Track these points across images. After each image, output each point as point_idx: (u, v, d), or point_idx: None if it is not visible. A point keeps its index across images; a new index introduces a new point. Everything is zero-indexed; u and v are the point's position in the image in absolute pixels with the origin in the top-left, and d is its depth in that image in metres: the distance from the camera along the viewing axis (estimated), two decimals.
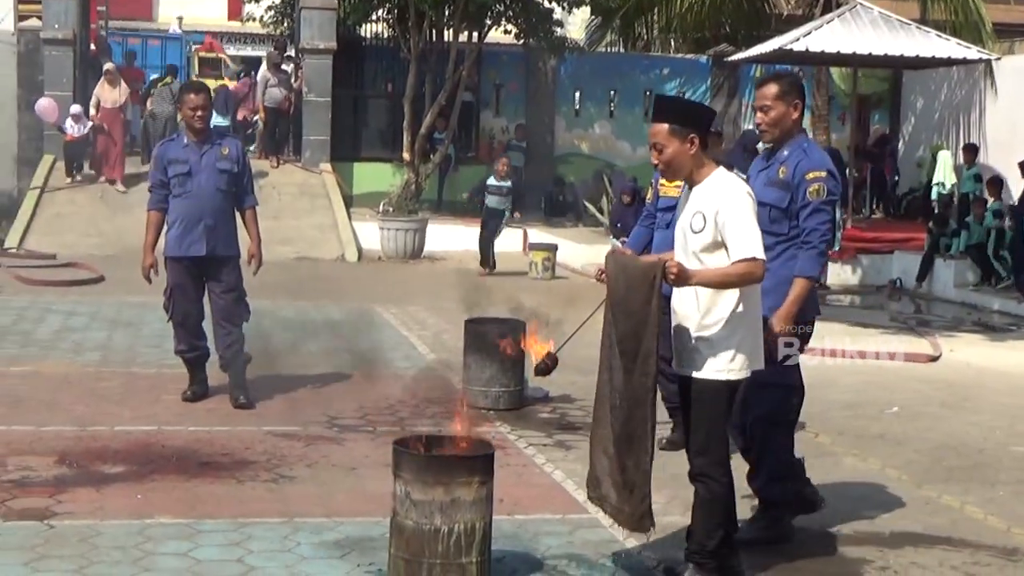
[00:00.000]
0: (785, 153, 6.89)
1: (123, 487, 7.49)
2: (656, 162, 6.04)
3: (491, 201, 19.90)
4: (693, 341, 5.94)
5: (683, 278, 5.74)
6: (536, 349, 7.38)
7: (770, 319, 6.53)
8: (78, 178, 22.92)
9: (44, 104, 23.04)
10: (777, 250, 6.74)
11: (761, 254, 5.77)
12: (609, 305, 6.06)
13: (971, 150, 22.56)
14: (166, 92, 24.80)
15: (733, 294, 5.87)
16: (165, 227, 9.75)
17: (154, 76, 27.07)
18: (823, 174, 6.81)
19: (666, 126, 5.92)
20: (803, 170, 6.79)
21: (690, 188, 6.02)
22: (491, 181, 19.97)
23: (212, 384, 10.01)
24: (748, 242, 5.76)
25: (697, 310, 5.91)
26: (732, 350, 5.90)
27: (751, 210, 5.83)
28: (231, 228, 9.81)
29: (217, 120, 25.76)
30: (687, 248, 5.96)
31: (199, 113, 9.66)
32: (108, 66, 23.78)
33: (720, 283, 5.85)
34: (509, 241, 22.80)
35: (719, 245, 5.85)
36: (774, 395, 6.81)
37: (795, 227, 6.82)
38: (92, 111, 23.02)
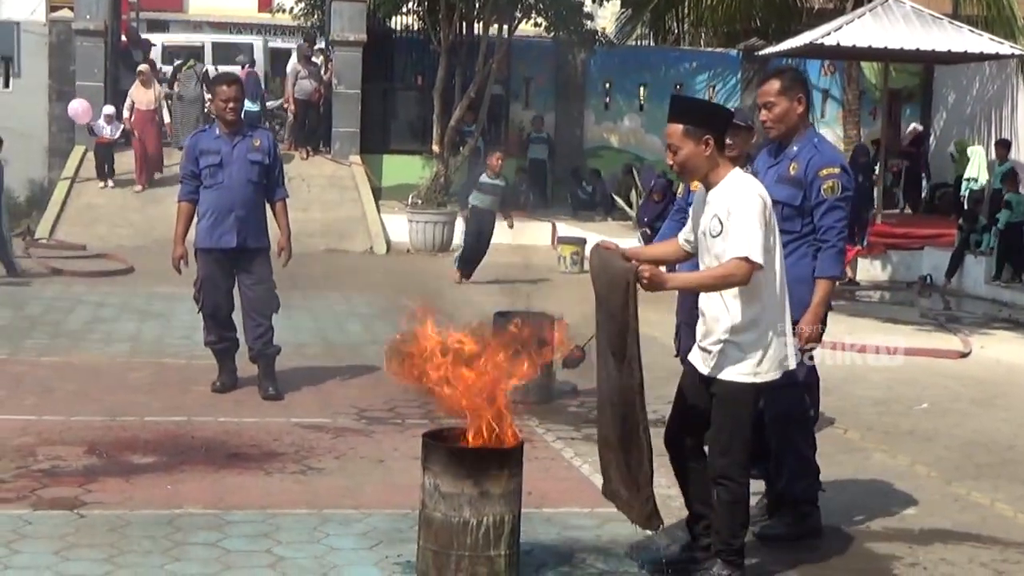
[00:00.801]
0: (795, 149, 6.82)
1: (153, 477, 7.52)
2: (671, 163, 5.97)
3: (482, 201, 17.70)
4: (721, 343, 5.89)
5: (656, 283, 5.69)
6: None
7: (799, 322, 6.49)
8: (110, 184, 22.59)
9: (77, 106, 22.90)
10: (789, 248, 6.66)
11: (756, 256, 5.64)
12: (596, 303, 6.01)
13: (1004, 146, 22.43)
14: (191, 75, 25.09)
15: (760, 296, 5.81)
16: (196, 218, 9.78)
17: (178, 61, 27.05)
18: (837, 170, 6.74)
19: (681, 127, 5.84)
20: (816, 166, 6.72)
21: (707, 190, 5.93)
22: (484, 178, 17.80)
23: (241, 375, 10.04)
24: (742, 242, 5.66)
25: (726, 311, 5.85)
26: (760, 352, 5.85)
27: (758, 212, 5.72)
28: (261, 220, 9.83)
29: (248, 106, 25.95)
30: (709, 251, 5.90)
31: (231, 105, 9.67)
32: (142, 67, 23.63)
33: (699, 286, 5.87)
34: (538, 235, 22.81)
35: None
36: (790, 394, 6.74)
37: (807, 224, 6.76)
38: (126, 113, 22.87)
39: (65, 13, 24.91)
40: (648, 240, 15.51)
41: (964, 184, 22.95)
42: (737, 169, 5.95)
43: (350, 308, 14.53)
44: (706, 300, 5.97)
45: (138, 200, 21.86)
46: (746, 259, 5.64)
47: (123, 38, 26.56)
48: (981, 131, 24.73)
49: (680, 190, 9.21)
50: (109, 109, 22.81)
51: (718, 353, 5.91)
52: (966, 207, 21.33)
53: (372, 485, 7.37)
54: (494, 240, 22.31)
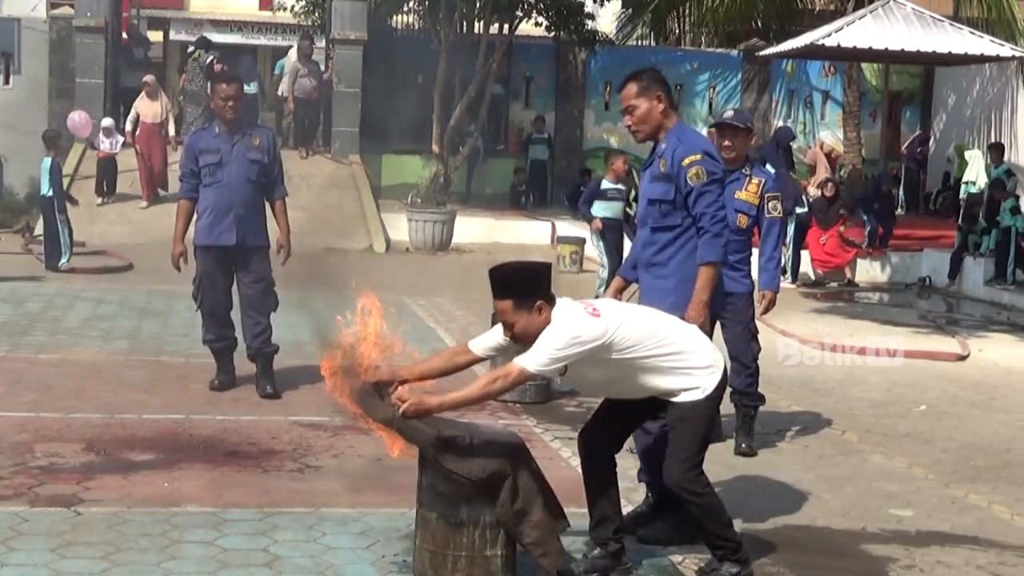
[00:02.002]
0: (663, 146, 6.74)
1: (150, 475, 7.52)
2: (508, 336, 5.86)
3: (610, 210, 16.33)
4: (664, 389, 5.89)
5: (422, 412, 5.80)
6: None
7: (686, 314, 6.46)
8: (108, 201, 21.88)
9: (76, 119, 22.38)
10: (676, 245, 6.68)
11: (530, 368, 5.64)
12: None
13: (998, 148, 22.51)
14: (196, 67, 24.64)
15: (670, 363, 5.80)
16: (195, 216, 9.78)
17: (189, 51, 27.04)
18: (699, 156, 6.65)
19: (509, 302, 5.77)
20: (679, 157, 6.64)
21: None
22: (607, 184, 16.55)
23: (239, 374, 10.04)
24: (533, 355, 5.63)
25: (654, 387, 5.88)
26: (699, 374, 5.86)
27: (564, 341, 5.60)
28: (261, 218, 9.84)
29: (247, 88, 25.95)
30: None
31: (230, 103, 9.67)
32: (147, 78, 22.88)
33: (466, 400, 5.86)
34: (536, 234, 22.83)
35: None
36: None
37: (687, 217, 6.69)
38: (129, 126, 22.25)
39: (66, 10, 24.89)
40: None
41: (963, 187, 23.00)
42: (559, 302, 5.79)
43: (349, 307, 14.48)
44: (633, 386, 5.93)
45: (138, 198, 21.84)
46: (518, 367, 5.66)
47: (123, 35, 26.54)
48: (981, 133, 24.76)
49: None
50: (107, 122, 22.32)
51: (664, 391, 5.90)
52: (963, 209, 21.37)
53: (370, 484, 7.37)
54: (490, 239, 22.42)
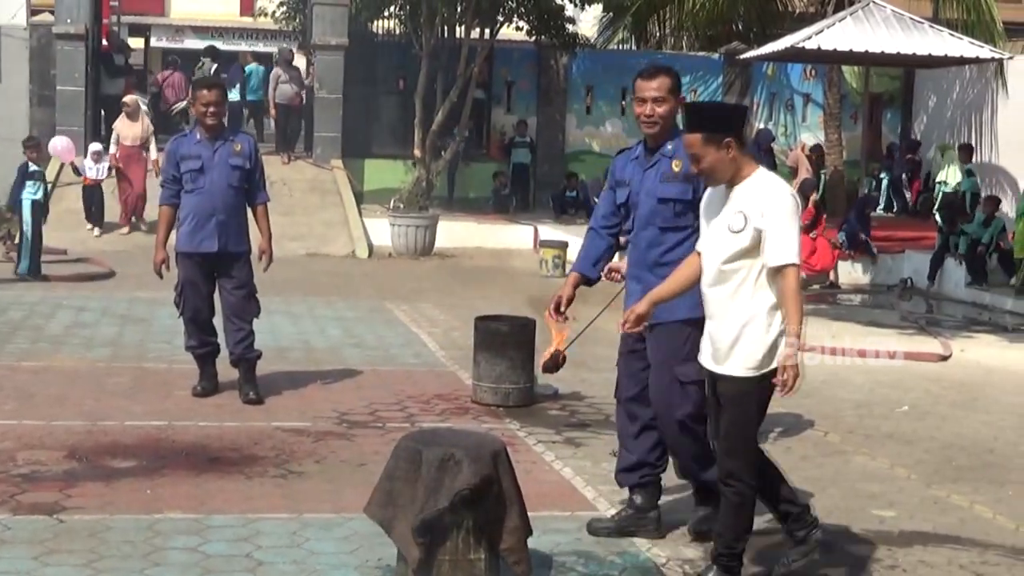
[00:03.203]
0: (670, 147, 6.76)
1: (133, 482, 7.51)
2: (695, 171, 5.98)
3: None
4: (734, 339, 5.87)
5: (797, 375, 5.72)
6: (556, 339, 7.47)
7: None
8: (97, 231, 20.69)
9: (58, 145, 21.08)
10: (687, 244, 6.64)
11: (797, 258, 5.72)
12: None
13: (966, 149, 22.78)
14: (200, 76, 24.43)
15: (773, 292, 5.81)
16: (177, 222, 9.78)
17: (260, 67, 27.02)
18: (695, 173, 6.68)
19: (699, 135, 5.83)
20: None
21: (728, 188, 5.90)
22: None
23: (222, 379, 10.03)
24: (788, 248, 5.70)
25: (742, 307, 5.85)
26: (769, 344, 5.83)
27: (793, 213, 5.75)
28: (243, 224, 9.83)
29: (232, 95, 25.96)
30: (722, 246, 5.86)
31: (211, 110, 9.66)
32: (127, 99, 21.86)
33: (799, 315, 5.73)
34: (519, 238, 22.84)
35: (750, 251, 5.78)
36: (696, 392, 6.62)
37: (696, 218, 6.59)
38: (112, 148, 21.06)
39: (46, 17, 24.82)
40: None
41: (937, 187, 23.17)
42: (761, 167, 5.95)
43: (331, 312, 14.52)
44: (719, 296, 5.91)
45: (119, 204, 21.78)
46: (796, 264, 5.71)
47: (104, 42, 26.48)
48: (961, 134, 24.82)
49: None
50: (96, 146, 21.25)
51: (727, 349, 5.90)
52: (938, 209, 21.52)
53: (353, 489, 7.36)
54: (472, 244, 22.43)
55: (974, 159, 23.74)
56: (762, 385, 5.86)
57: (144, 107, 22.94)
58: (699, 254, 6.10)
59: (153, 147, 20.77)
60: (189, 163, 9.66)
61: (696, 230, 6.56)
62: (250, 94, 26.83)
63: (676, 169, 6.72)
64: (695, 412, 6.63)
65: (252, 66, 27.67)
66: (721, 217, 5.90)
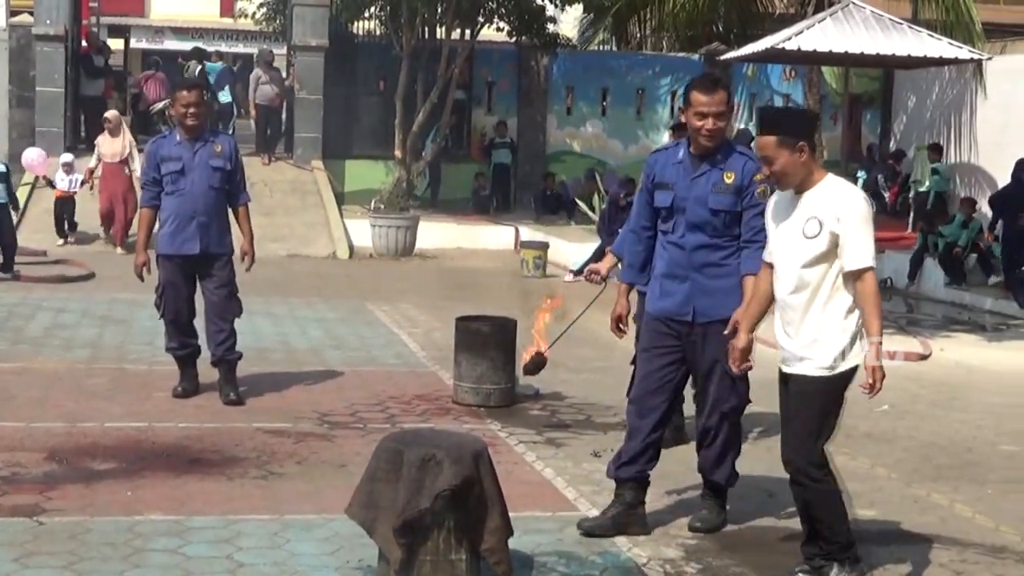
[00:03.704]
0: (719, 158, 6.94)
1: (113, 484, 7.50)
2: (767, 173, 6.11)
3: None
4: (811, 340, 6.01)
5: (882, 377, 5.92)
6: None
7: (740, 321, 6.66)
8: (71, 240, 20.25)
9: (31, 158, 21.15)
10: (729, 250, 6.91)
11: (873, 261, 5.89)
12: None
13: (936, 149, 22.96)
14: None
15: (852, 294, 5.96)
16: (158, 224, 9.77)
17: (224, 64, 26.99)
18: (766, 175, 6.83)
19: (773, 138, 5.97)
20: (751, 172, 6.88)
21: (797, 193, 6.04)
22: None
23: (202, 380, 10.01)
24: (865, 251, 5.86)
25: (822, 310, 6.00)
26: (845, 344, 6.00)
27: (868, 217, 5.90)
28: (224, 225, 9.81)
29: (223, 96, 25.95)
30: (798, 252, 6.00)
31: (191, 110, 9.63)
32: (108, 114, 20.95)
33: (880, 322, 5.88)
34: (500, 239, 22.86)
35: (829, 254, 5.91)
36: (743, 387, 7.08)
37: (739, 228, 6.94)
38: (93, 162, 20.33)
39: (25, 18, 24.74)
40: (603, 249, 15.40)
41: (911, 187, 23.33)
42: (831, 173, 6.10)
43: (312, 313, 14.51)
44: (798, 301, 6.05)
45: (96, 205, 21.70)
46: (872, 268, 5.86)
47: (84, 43, 26.43)
48: (941, 135, 24.87)
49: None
50: (67, 157, 20.83)
51: (803, 350, 6.03)
52: (913, 209, 21.65)
53: (334, 490, 7.35)
54: (453, 245, 22.45)
55: (954, 159, 23.84)
56: (834, 385, 6.04)
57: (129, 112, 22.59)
58: (769, 266, 6.26)
59: (136, 162, 19.79)
60: (169, 165, 9.63)
61: (738, 237, 6.90)
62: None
63: (728, 181, 6.93)
64: (740, 406, 7.09)
65: (211, 64, 27.59)
66: (793, 223, 6.04)
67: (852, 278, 5.90)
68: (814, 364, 5.99)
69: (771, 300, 6.29)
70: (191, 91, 9.77)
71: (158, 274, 9.77)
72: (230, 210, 9.94)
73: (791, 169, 5.95)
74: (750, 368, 6.55)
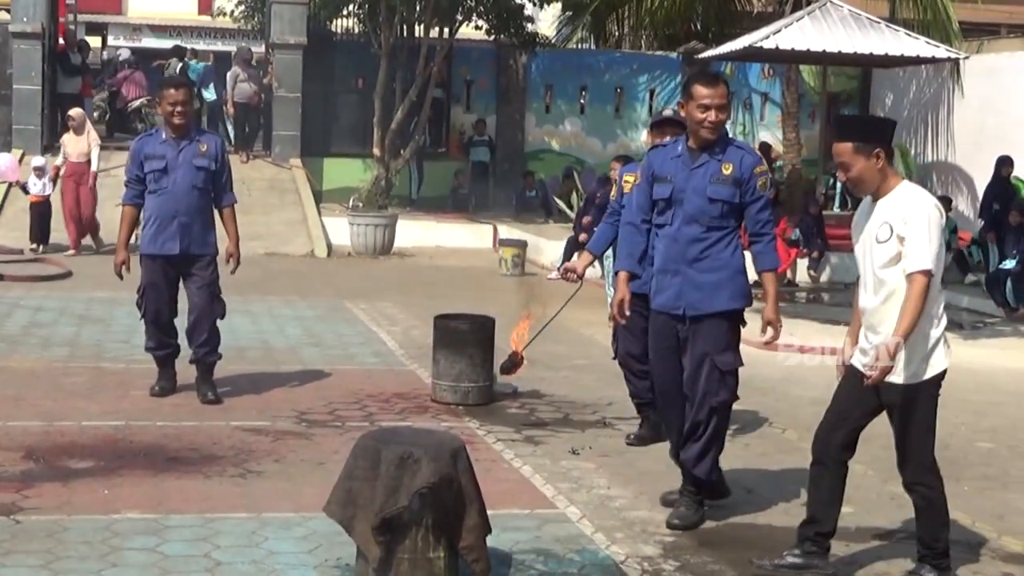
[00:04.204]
0: (717, 150, 7.09)
1: (90, 482, 7.47)
2: (843, 179, 6.17)
3: None
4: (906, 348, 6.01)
5: (885, 370, 5.90)
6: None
7: (762, 317, 7.08)
8: (40, 248, 19.29)
9: (2, 166, 20.81)
10: (725, 241, 7.08)
11: (932, 265, 5.88)
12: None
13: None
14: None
15: (933, 297, 6.02)
16: (140, 223, 9.70)
17: (159, 62, 26.88)
18: (765, 167, 7.17)
19: (850, 144, 6.04)
20: (750, 165, 7.06)
21: (874, 200, 6.11)
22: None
23: (180, 379, 9.98)
24: (923, 254, 5.88)
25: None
26: (931, 347, 6.10)
27: (935, 222, 5.93)
28: (207, 226, 9.72)
29: (208, 95, 25.89)
30: (871, 256, 6.08)
31: (179, 109, 9.54)
32: (72, 112, 20.35)
33: (911, 325, 5.88)
34: (478, 237, 22.87)
35: (898, 257, 5.98)
36: (733, 381, 7.19)
37: (738, 219, 7.11)
38: (59, 160, 19.80)
39: (2, 15, 24.66)
40: (580, 246, 15.42)
41: None
42: (906, 180, 6.16)
43: (290, 311, 14.49)
44: (875, 304, 6.11)
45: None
46: (927, 272, 5.86)
47: (60, 40, 26.35)
48: (918, 133, 24.97)
49: (613, 192, 9.30)
50: (38, 161, 20.14)
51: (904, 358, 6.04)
52: None
53: (312, 488, 7.34)
54: (431, 243, 22.46)
55: (931, 158, 24.00)
56: (927, 392, 6.14)
57: (99, 107, 22.21)
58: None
59: (95, 155, 19.59)
60: (153, 163, 9.55)
61: (734, 228, 7.07)
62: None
63: (726, 172, 7.06)
64: (729, 400, 7.16)
65: (194, 64, 27.54)
66: (868, 230, 6.12)
67: (910, 280, 5.92)
68: (903, 374, 6.05)
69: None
70: (178, 90, 9.67)
71: (140, 274, 9.69)
72: (216, 211, 9.86)
73: (868, 175, 6.05)
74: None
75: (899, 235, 5.94)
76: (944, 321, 6.12)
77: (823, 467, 6.43)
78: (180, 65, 26.38)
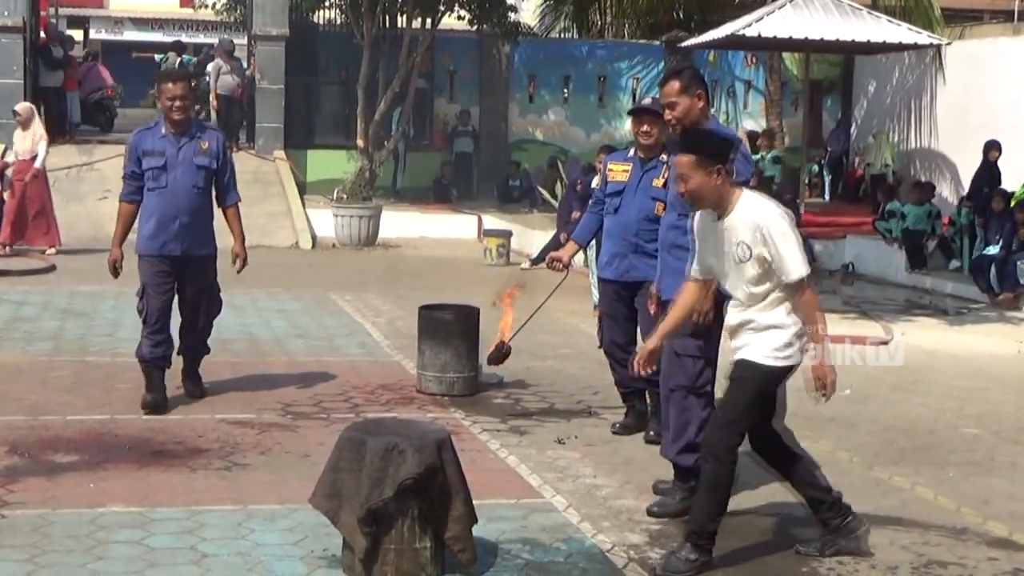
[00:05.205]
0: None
1: (75, 476, 7.46)
2: (681, 192, 6.21)
3: None
4: (751, 331, 6.18)
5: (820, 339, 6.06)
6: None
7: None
8: (6, 250, 18.14)
9: None
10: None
11: (806, 269, 6.01)
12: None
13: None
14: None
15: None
16: (138, 221, 9.27)
17: (159, 56, 26.84)
18: (734, 156, 7.01)
19: (691, 157, 6.07)
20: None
21: (720, 217, 6.13)
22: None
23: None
24: (796, 263, 5.99)
25: (761, 310, 6.16)
26: (783, 338, 6.14)
27: (790, 227, 6.02)
28: (208, 226, 9.33)
29: None
30: (741, 276, 6.13)
31: (177, 103, 9.11)
32: (18, 107, 19.29)
33: (818, 317, 6.06)
34: (463, 227, 22.85)
35: (766, 273, 6.05)
36: (692, 366, 7.12)
37: None
38: (10, 157, 18.87)
39: None
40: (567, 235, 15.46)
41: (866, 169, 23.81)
42: (746, 190, 6.20)
43: (275, 303, 14.47)
44: (747, 316, 6.19)
45: (60, 197, 21.49)
46: (804, 276, 5.99)
47: (42, 34, 26.26)
48: (901, 120, 25.03)
49: (596, 181, 9.31)
50: None
51: (744, 336, 6.20)
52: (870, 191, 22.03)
53: (298, 480, 7.34)
54: (416, 234, 22.45)
55: (914, 144, 24.09)
56: (768, 378, 6.21)
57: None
58: (695, 282, 6.42)
59: (41, 150, 18.50)
60: (151, 160, 9.11)
61: None
62: None
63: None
64: (688, 384, 7.11)
65: (187, 56, 27.54)
66: (726, 250, 6.15)
67: (791, 289, 6.04)
68: (759, 352, 6.15)
69: (692, 312, 6.56)
70: (176, 83, 9.21)
71: (139, 276, 9.26)
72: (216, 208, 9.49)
73: (705, 190, 6.07)
74: (652, 371, 6.61)
75: (759, 256, 6.00)
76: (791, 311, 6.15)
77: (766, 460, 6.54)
78: (179, 60, 26.25)
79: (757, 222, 6.01)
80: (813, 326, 6.05)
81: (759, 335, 6.14)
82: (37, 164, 18.43)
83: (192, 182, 9.19)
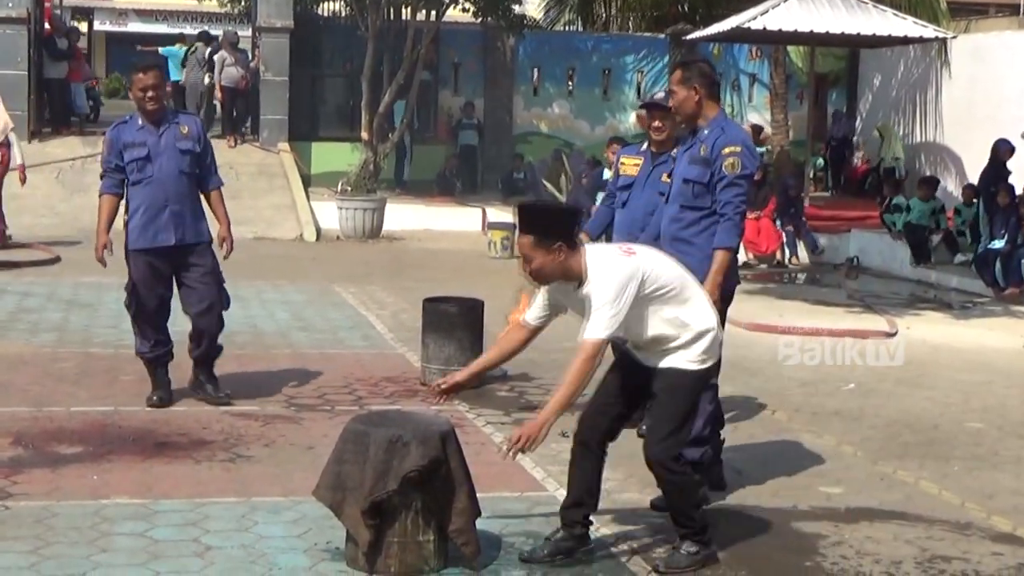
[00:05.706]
0: (705, 132, 7.21)
1: (79, 468, 7.46)
2: (526, 272, 6.01)
3: None
4: (661, 351, 6.10)
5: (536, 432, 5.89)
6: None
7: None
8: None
9: None
10: (702, 224, 7.21)
11: (599, 333, 5.80)
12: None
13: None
14: (195, 61, 24.91)
15: (682, 314, 6.02)
16: (125, 216, 9.09)
17: (180, 48, 26.72)
18: (738, 149, 7.13)
19: (531, 238, 5.88)
20: (720, 145, 7.12)
21: (578, 287, 5.94)
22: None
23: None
24: (591, 324, 5.81)
25: (660, 335, 6.07)
26: (700, 344, 6.07)
27: (620, 284, 5.80)
28: (198, 212, 9.15)
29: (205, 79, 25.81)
30: (626, 332, 6.05)
31: (150, 94, 8.97)
32: None
33: (570, 397, 5.88)
34: (467, 220, 22.85)
35: (645, 318, 5.98)
36: None
37: (714, 201, 7.18)
38: None
39: None
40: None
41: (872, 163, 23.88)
42: (590, 252, 5.97)
43: (279, 295, 14.46)
44: (637, 331, 6.07)
45: (64, 190, 21.62)
46: (590, 343, 5.83)
47: (47, 26, 26.25)
48: (906, 113, 25.00)
49: (609, 175, 9.32)
50: None
51: (660, 353, 6.09)
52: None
53: (301, 472, 7.33)
54: (420, 226, 22.43)
55: (919, 138, 24.07)
56: (697, 382, 6.17)
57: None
58: (528, 328, 6.26)
59: (16, 150, 17.90)
60: (134, 151, 8.96)
61: (712, 212, 7.13)
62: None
63: (702, 153, 7.18)
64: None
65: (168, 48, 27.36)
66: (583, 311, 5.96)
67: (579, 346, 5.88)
68: (684, 359, 6.07)
69: (512, 355, 6.46)
70: (147, 72, 9.06)
71: (129, 271, 9.09)
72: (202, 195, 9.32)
73: (548, 269, 5.88)
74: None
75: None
76: (696, 325, 6.04)
77: (587, 450, 6.34)
78: (208, 50, 26.03)
79: (592, 282, 5.84)
80: (559, 389, 5.87)
81: (673, 353, 6.05)
82: (18, 159, 17.83)
83: (178, 167, 9.01)
